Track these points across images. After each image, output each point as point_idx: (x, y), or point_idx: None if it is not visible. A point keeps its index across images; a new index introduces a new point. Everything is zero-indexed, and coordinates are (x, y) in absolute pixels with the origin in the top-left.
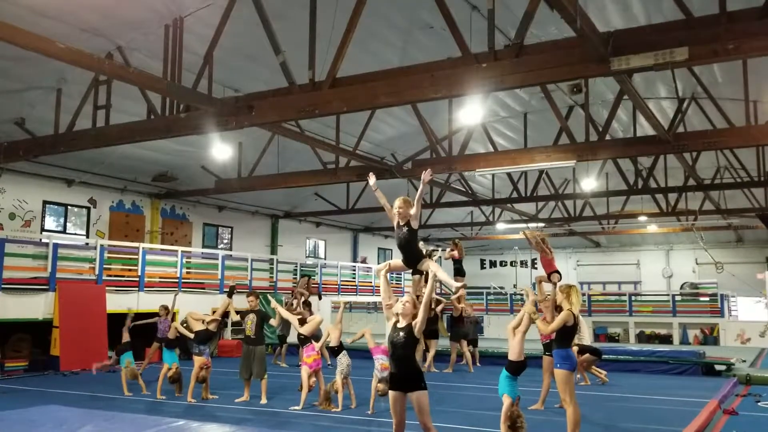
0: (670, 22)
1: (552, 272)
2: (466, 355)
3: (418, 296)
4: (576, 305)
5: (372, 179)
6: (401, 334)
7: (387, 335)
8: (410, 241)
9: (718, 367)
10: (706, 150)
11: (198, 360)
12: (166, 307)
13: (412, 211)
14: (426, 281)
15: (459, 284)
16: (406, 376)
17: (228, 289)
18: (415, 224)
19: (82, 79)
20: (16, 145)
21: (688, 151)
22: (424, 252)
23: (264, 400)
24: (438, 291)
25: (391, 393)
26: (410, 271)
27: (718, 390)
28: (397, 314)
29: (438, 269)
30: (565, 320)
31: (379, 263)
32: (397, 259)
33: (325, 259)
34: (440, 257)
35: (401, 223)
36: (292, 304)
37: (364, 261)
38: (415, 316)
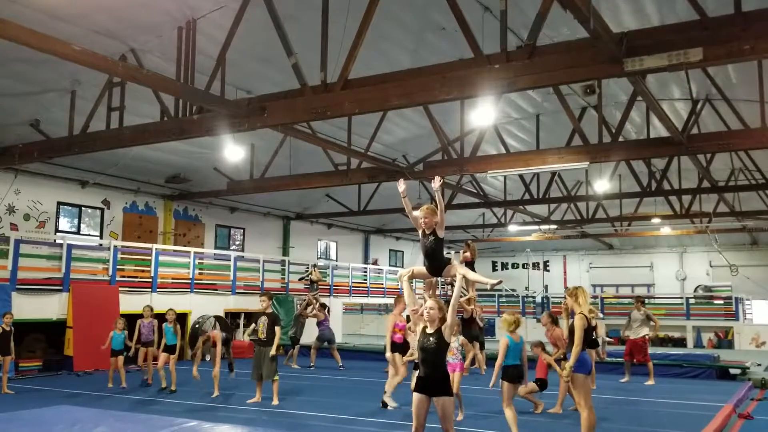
0: (684, 22)
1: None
2: (478, 357)
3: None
4: (585, 306)
5: (402, 185)
6: (431, 339)
7: (417, 340)
8: (436, 249)
9: (732, 371)
10: (721, 152)
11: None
12: (151, 308)
13: (437, 219)
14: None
15: (495, 282)
16: (434, 380)
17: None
18: (440, 233)
19: (95, 81)
20: (30, 147)
21: (702, 153)
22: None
23: (275, 401)
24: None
25: (415, 395)
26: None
27: (732, 394)
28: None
29: (467, 271)
30: (583, 326)
31: (390, 265)
32: (420, 266)
33: (336, 260)
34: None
35: (427, 232)
36: (306, 307)
37: (375, 263)
38: (442, 320)
